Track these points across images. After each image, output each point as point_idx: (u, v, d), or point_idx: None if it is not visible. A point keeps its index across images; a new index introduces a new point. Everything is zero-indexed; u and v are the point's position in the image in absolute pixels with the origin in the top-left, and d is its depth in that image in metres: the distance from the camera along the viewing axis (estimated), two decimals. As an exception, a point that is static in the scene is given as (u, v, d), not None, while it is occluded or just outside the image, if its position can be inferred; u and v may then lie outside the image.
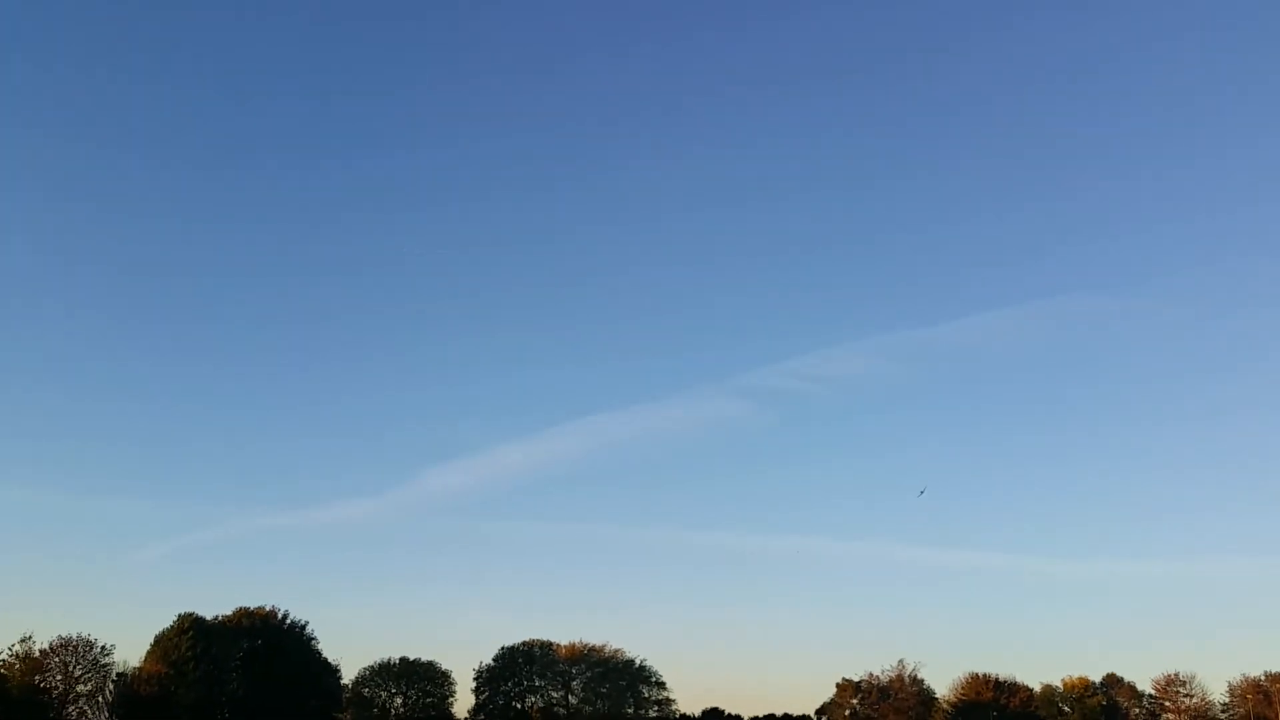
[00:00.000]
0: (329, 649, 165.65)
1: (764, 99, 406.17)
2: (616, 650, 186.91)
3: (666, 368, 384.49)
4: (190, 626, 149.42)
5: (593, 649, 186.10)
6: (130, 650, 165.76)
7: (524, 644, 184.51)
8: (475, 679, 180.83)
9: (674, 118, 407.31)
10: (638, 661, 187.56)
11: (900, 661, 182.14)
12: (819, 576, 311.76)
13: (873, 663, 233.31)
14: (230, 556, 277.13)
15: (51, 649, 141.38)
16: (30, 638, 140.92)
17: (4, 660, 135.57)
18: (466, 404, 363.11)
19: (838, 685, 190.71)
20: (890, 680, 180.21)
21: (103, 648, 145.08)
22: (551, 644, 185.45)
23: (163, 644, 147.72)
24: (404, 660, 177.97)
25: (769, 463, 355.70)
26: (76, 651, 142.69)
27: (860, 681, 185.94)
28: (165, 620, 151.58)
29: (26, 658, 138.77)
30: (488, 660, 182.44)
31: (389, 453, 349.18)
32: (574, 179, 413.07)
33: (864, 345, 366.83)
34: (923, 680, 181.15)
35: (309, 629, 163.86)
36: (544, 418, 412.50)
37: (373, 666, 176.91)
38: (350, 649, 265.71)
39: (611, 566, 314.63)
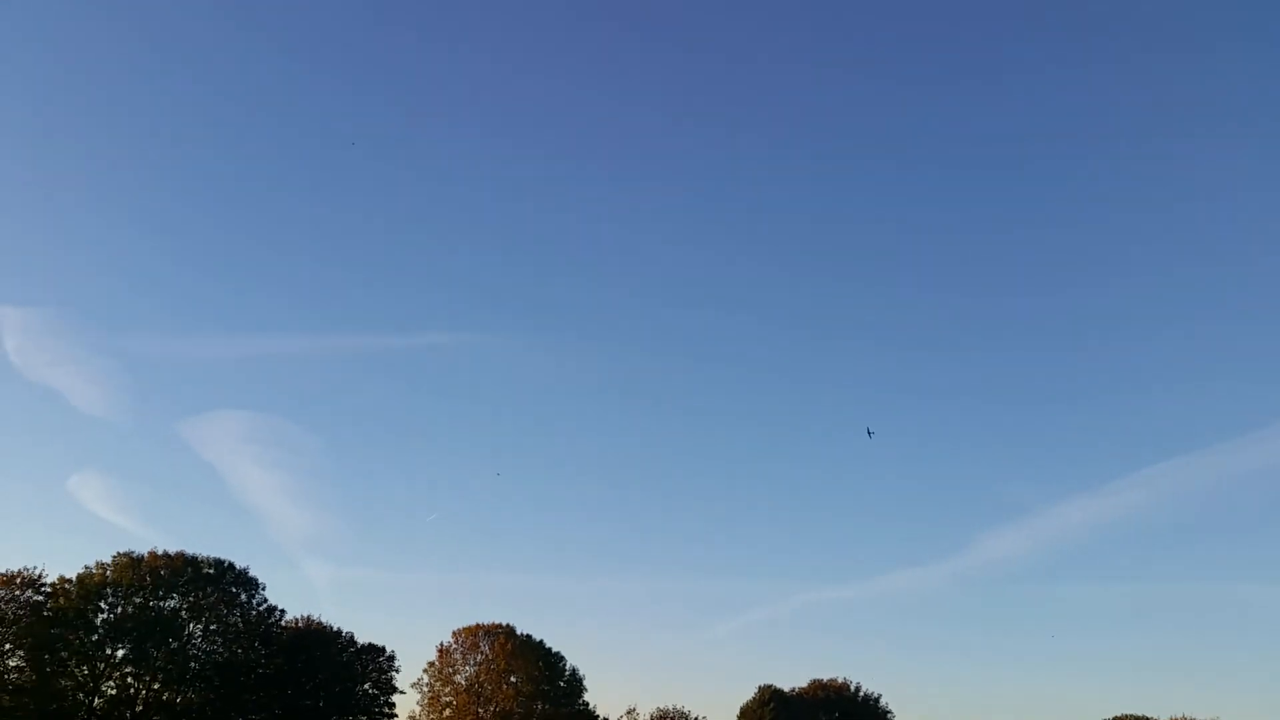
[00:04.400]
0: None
1: None
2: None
3: (1245, 395, 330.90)
4: (770, 698, 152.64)
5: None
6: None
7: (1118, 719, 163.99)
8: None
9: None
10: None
11: None
12: None
13: None
14: (793, 629, 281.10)
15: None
16: (634, 710, 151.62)
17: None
18: (1014, 463, 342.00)
19: None
20: None
21: (697, 719, 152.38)
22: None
23: (747, 715, 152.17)
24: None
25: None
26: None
27: None
28: (740, 691, 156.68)
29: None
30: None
31: (938, 519, 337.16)
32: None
33: None
34: None
35: (883, 701, 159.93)
36: (1101, 470, 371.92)
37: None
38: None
39: (1199, 630, 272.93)
